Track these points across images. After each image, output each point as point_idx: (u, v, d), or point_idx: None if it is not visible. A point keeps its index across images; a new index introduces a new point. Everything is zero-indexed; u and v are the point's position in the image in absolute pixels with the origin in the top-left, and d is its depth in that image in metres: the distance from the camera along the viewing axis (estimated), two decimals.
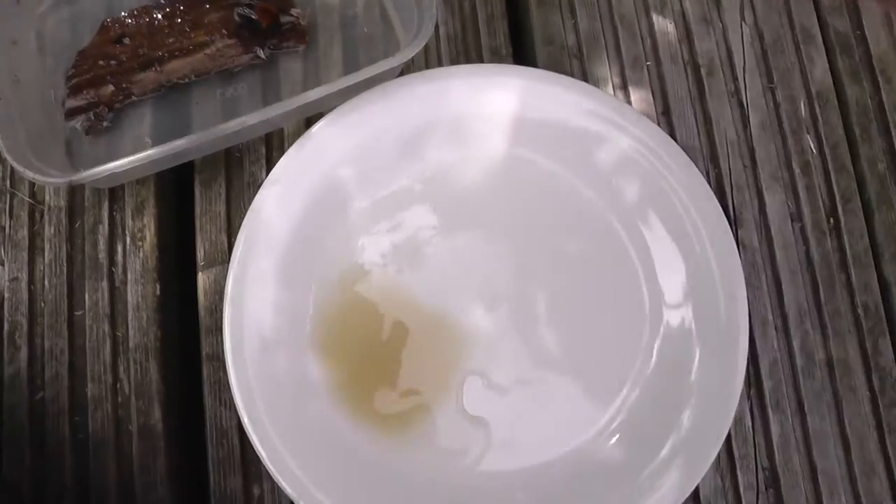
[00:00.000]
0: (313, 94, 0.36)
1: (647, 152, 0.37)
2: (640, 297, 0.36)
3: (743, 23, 0.41)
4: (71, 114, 0.39)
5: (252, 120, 0.36)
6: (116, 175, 0.36)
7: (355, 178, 0.38)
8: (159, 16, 0.40)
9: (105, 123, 0.39)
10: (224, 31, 0.39)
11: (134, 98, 0.39)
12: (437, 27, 0.41)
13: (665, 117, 0.40)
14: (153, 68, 0.39)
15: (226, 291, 0.36)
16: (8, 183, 0.40)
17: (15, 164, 0.35)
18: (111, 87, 0.39)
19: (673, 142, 0.36)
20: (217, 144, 0.39)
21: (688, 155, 0.36)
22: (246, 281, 0.36)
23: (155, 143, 0.39)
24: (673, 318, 0.35)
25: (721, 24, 0.41)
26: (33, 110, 0.38)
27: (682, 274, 0.36)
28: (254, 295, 0.36)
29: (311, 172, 0.37)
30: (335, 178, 0.38)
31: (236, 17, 0.39)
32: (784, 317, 0.36)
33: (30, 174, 0.35)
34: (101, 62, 0.40)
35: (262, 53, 0.39)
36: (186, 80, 0.39)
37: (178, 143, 0.35)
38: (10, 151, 0.35)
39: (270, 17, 0.39)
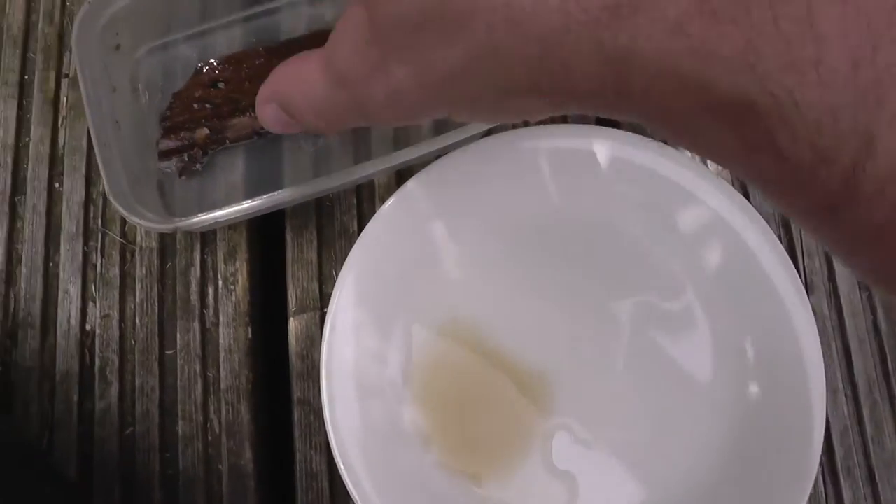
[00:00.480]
0: (404, 155, 0.37)
1: (727, 217, 0.38)
2: (717, 360, 0.38)
3: None
4: (165, 155, 0.40)
5: (345, 178, 0.37)
6: (214, 221, 0.37)
7: (448, 234, 0.39)
8: (255, 62, 0.41)
9: (198, 166, 0.40)
10: None
11: (228, 142, 0.40)
12: None
13: (739, 182, 0.41)
14: (247, 114, 0.40)
15: (323, 339, 0.37)
16: (99, 222, 0.41)
17: (122, 210, 0.36)
18: (205, 130, 0.40)
19: (752, 207, 0.38)
20: (309, 195, 0.39)
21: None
22: (343, 330, 0.37)
23: (247, 190, 0.40)
24: (751, 382, 0.37)
25: None
26: (131, 154, 0.39)
27: (761, 340, 0.37)
28: (350, 344, 0.37)
29: (405, 227, 0.38)
30: (429, 233, 0.39)
31: None
32: (854, 385, 0.38)
33: (135, 220, 0.36)
34: (195, 105, 0.40)
35: None
36: None
37: (277, 196, 0.36)
38: (115, 197, 0.36)
39: None
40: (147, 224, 0.36)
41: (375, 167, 0.37)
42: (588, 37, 0.18)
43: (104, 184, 0.36)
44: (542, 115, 0.23)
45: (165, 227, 0.36)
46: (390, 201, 0.38)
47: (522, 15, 0.18)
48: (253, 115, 0.40)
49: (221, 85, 0.40)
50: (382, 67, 0.22)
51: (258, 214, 0.39)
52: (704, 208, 0.39)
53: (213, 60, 0.41)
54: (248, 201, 0.36)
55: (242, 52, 0.41)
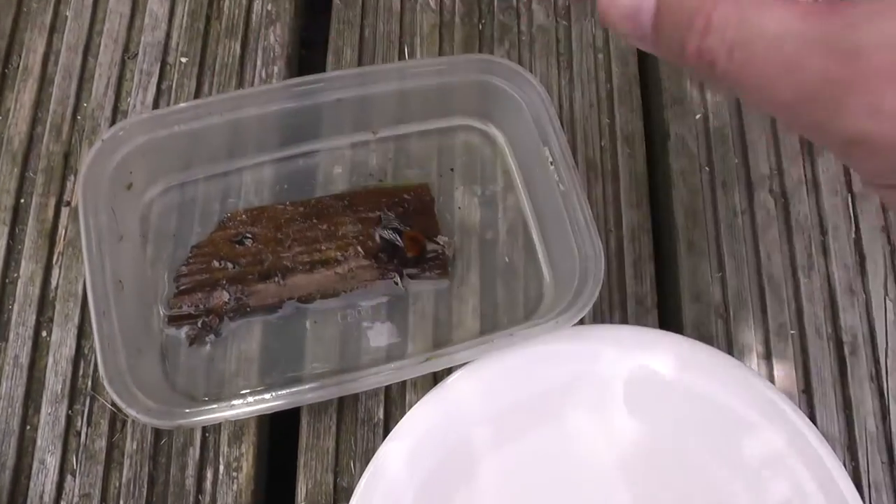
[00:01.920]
0: (443, 363, 0.33)
1: (796, 450, 0.35)
2: None
3: (886, 297, 0.40)
4: (176, 320, 0.35)
5: (374, 382, 0.32)
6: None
7: (488, 437, 0.35)
8: (291, 219, 0.36)
9: (211, 337, 0.35)
10: (360, 249, 0.36)
11: (248, 311, 0.35)
12: None
13: (805, 396, 0.38)
14: (275, 280, 0.35)
15: None
16: (89, 383, 0.36)
17: (117, 400, 0.31)
18: (225, 296, 0.35)
19: (825, 444, 0.34)
20: (335, 395, 0.35)
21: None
22: None
23: (263, 365, 0.36)
24: None
25: (865, 296, 0.39)
26: (132, 318, 0.34)
27: None
28: None
29: (440, 429, 0.34)
30: (466, 437, 0.34)
31: (378, 239, 0.36)
32: None
33: (132, 413, 0.31)
34: (216, 262, 0.35)
35: (400, 283, 0.36)
36: (309, 299, 0.36)
37: (298, 396, 0.32)
38: (111, 382, 0.31)
39: (418, 247, 0.35)
40: (145, 419, 0.31)
41: (413, 372, 0.33)
42: None
43: (99, 366, 0.31)
44: None
45: (165, 423, 0.31)
46: (425, 399, 0.34)
47: None
48: (281, 282, 0.35)
49: (248, 242, 0.36)
50: None
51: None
52: (777, 440, 0.35)
53: (241, 212, 0.36)
54: (265, 399, 0.31)
55: (273, 207, 0.36)
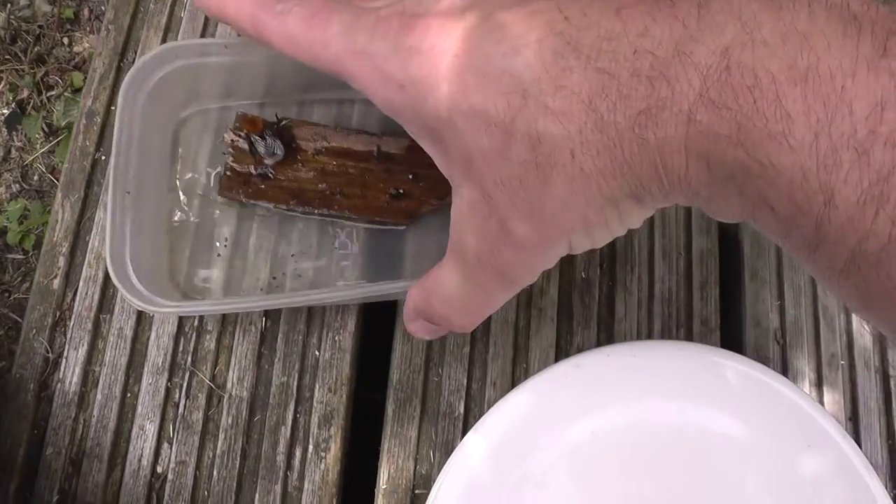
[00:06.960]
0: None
1: (843, 473, 0.37)
2: None
3: None
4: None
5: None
6: None
7: (563, 440, 0.37)
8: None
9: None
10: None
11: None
12: (651, 285, 0.41)
13: (852, 423, 0.40)
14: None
15: None
16: (189, 359, 0.38)
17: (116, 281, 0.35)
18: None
19: (871, 469, 0.37)
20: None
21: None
22: None
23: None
24: None
25: None
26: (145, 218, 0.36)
27: None
28: None
29: (521, 426, 0.36)
30: (544, 437, 0.37)
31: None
32: None
33: (126, 294, 0.34)
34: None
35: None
36: None
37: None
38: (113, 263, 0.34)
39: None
40: (137, 303, 0.34)
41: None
42: (635, 138, 0.22)
43: (105, 250, 0.33)
44: (638, 217, 0.26)
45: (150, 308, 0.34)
46: (508, 396, 0.36)
47: (588, 137, 0.23)
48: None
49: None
50: (504, 232, 0.26)
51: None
52: (819, 455, 0.37)
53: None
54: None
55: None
